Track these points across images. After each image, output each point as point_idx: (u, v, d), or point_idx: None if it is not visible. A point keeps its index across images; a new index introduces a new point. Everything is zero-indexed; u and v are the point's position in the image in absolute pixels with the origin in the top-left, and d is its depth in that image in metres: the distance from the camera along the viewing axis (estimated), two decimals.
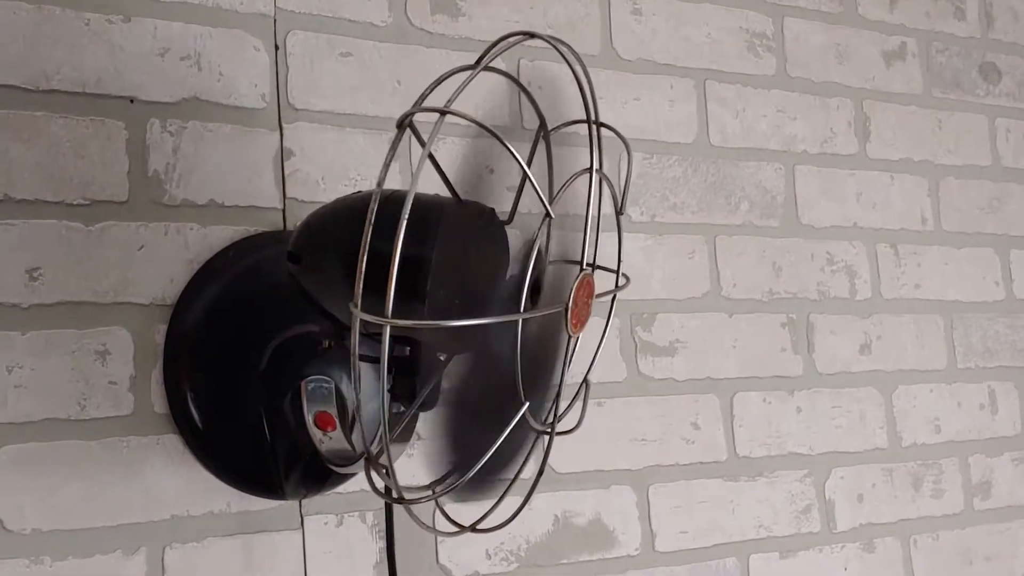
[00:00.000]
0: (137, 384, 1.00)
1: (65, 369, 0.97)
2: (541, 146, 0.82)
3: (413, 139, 0.83)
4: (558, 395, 0.81)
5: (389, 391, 0.82)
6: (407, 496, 0.75)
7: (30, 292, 0.97)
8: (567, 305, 0.75)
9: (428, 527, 0.82)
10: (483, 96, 0.93)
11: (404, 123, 0.71)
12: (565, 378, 0.82)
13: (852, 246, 1.45)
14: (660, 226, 1.31)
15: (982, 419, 1.52)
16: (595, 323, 0.82)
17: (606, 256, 0.87)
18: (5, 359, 0.95)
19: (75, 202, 0.99)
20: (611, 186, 0.87)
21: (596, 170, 0.76)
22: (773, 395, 1.36)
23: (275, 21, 1.11)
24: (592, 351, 0.89)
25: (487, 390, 0.82)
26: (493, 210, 0.81)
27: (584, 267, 0.77)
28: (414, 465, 1.09)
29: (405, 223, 0.66)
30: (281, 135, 1.10)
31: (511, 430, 0.77)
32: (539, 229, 0.75)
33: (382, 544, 1.09)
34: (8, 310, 0.96)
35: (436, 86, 0.74)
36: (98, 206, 1.00)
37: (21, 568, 0.94)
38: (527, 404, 0.76)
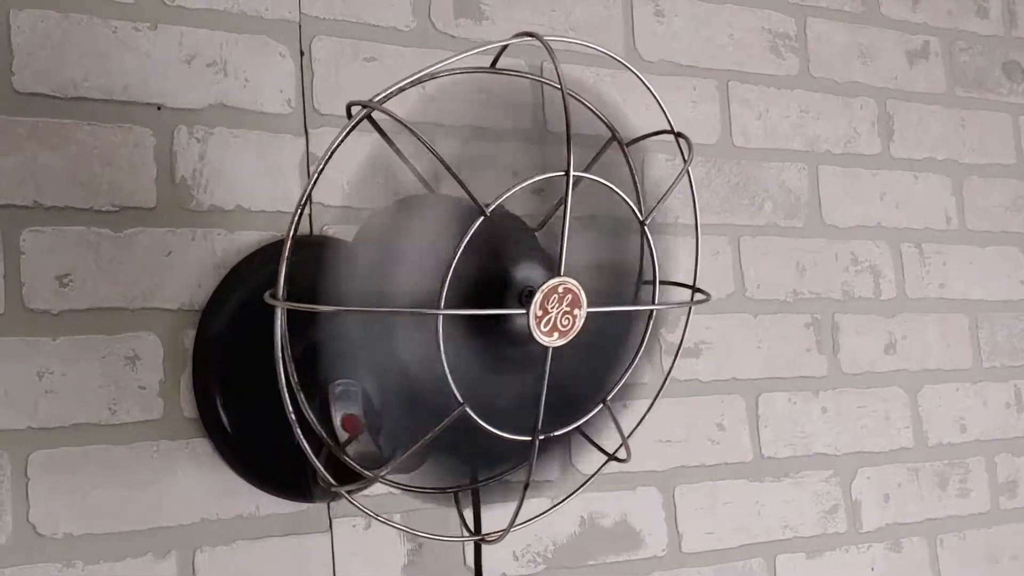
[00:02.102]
0: (166, 389, 1.01)
1: (95, 374, 0.98)
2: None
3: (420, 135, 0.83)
4: (539, 403, 0.78)
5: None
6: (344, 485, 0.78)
7: (60, 298, 0.97)
8: (531, 311, 0.75)
9: (371, 514, 0.82)
10: (504, 98, 0.93)
11: (361, 114, 0.73)
12: (544, 391, 0.78)
13: (876, 246, 1.45)
14: (683, 227, 1.31)
15: (1008, 418, 1.52)
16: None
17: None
18: (36, 365, 0.96)
19: (104, 208, 1.00)
20: (619, 193, 0.86)
21: (575, 174, 0.75)
22: (798, 395, 1.36)
23: (300, 27, 1.11)
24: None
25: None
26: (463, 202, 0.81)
27: (560, 274, 0.75)
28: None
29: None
30: (307, 140, 1.10)
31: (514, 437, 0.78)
32: (473, 223, 0.74)
33: (410, 546, 1.10)
34: (39, 316, 0.97)
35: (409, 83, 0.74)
36: (126, 212, 1.01)
37: (54, 572, 0.94)
38: (463, 405, 0.75)
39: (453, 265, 0.73)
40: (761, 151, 1.38)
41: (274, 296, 0.75)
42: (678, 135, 0.86)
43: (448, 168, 0.73)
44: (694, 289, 0.90)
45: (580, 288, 0.76)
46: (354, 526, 1.07)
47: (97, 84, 1.01)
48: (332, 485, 0.80)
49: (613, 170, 0.86)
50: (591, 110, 0.84)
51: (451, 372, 0.74)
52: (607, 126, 0.85)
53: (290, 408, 0.78)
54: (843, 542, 1.36)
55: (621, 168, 0.87)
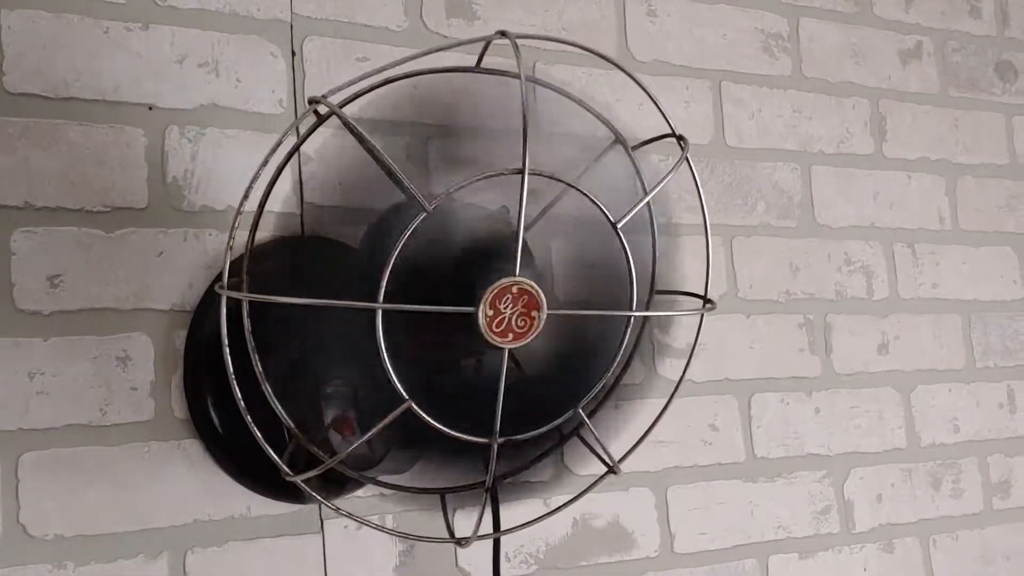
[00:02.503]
0: (158, 389, 1.01)
1: (86, 375, 0.98)
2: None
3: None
4: (497, 408, 0.77)
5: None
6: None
7: (51, 299, 0.97)
8: (480, 309, 0.74)
9: (321, 500, 0.83)
10: (496, 97, 0.93)
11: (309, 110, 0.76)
12: (501, 393, 0.77)
13: (869, 246, 1.45)
14: (678, 227, 1.31)
15: (1001, 418, 1.52)
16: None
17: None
18: (27, 366, 0.96)
19: (95, 209, 1.00)
20: (588, 195, 0.85)
21: (527, 172, 0.74)
22: (791, 396, 1.36)
23: (292, 27, 1.11)
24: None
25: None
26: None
27: (516, 274, 0.74)
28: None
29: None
30: (298, 141, 1.10)
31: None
32: (415, 217, 0.73)
33: (402, 547, 1.10)
34: (30, 317, 0.96)
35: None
36: (118, 213, 1.01)
37: (44, 574, 0.94)
38: (408, 402, 0.75)
39: (392, 260, 0.72)
40: (754, 151, 1.38)
41: (221, 287, 0.78)
42: (679, 138, 0.86)
43: (392, 167, 0.74)
44: (705, 299, 0.88)
45: (538, 289, 0.75)
46: (346, 527, 1.07)
47: (88, 84, 1.01)
48: (287, 473, 0.80)
49: (609, 172, 0.86)
50: (593, 113, 0.84)
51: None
52: (611, 129, 0.85)
53: (239, 395, 0.80)
54: (836, 543, 1.36)
55: (617, 169, 0.87)
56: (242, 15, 1.09)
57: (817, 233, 1.41)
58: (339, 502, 1.07)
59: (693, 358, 0.89)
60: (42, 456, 0.95)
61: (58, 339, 0.97)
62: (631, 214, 0.79)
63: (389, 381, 0.74)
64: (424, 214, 0.73)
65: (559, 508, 0.87)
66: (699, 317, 0.89)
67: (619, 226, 0.79)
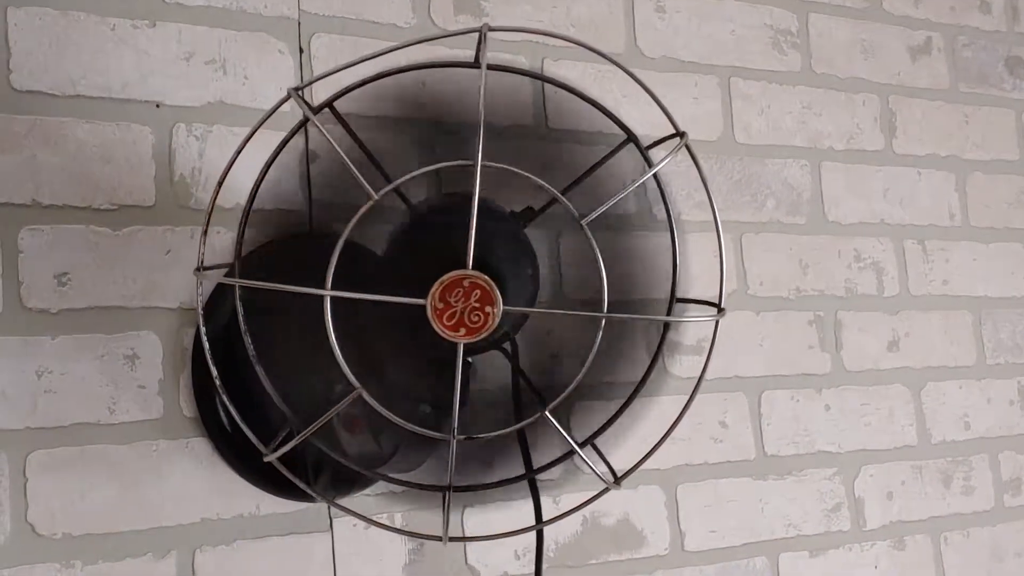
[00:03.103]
0: (166, 388, 1.00)
1: (94, 373, 0.98)
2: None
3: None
4: (453, 405, 0.77)
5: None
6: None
7: (59, 297, 0.97)
8: (429, 302, 0.74)
9: (293, 478, 0.83)
10: (506, 95, 0.93)
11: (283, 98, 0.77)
12: (458, 389, 0.77)
13: (879, 242, 1.44)
14: (685, 224, 1.30)
15: (1012, 415, 1.51)
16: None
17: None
18: (35, 364, 0.96)
19: (102, 207, 1.00)
20: (550, 189, 0.83)
21: (481, 164, 0.74)
22: (801, 393, 1.35)
23: (299, 24, 1.11)
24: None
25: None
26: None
27: (468, 267, 0.74)
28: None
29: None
30: (306, 137, 1.09)
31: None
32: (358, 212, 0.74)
33: (411, 546, 1.09)
34: (37, 315, 0.96)
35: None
36: (125, 211, 1.00)
37: (52, 572, 0.94)
38: (358, 389, 0.75)
39: (339, 247, 0.74)
40: (763, 147, 1.38)
41: (197, 269, 0.81)
42: (680, 134, 0.85)
43: (343, 159, 0.76)
44: (720, 307, 0.87)
45: (491, 284, 0.74)
46: (355, 525, 1.07)
47: (95, 82, 1.01)
48: (264, 453, 0.81)
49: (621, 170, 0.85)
50: (604, 112, 0.83)
51: (342, 356, 0.75)
52: (621, 127, 0.84)
53: (215, 373, 0.82)
54: (846, 540, 1.36)
55: (627, 167, 0.87)
56: (249, 12, 1.08)
57: (827, 230, 1.41)
58: (348, 500, 1.06)
59: (708, 366, 0.88)
60: (50, 455, 0.95)
61: (66, 337, 0.97)
62: (601, 210, 0.78)
63: (340, 369, 0.75)
64: (371, 201, 0.74)
65: (552, 520, 0.87)
66: (714, 324, 0.87)
67: (585, 222, 0.78)
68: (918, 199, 1.49)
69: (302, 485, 0.84)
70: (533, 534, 1.01)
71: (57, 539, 0.95)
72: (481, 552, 1.13)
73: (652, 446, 0.86)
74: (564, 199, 0.77)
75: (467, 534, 1.11)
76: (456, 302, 0.74)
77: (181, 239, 1.02)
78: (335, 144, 0.75)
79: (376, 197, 0.74)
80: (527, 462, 0.86)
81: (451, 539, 0.82)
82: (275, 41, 1.09)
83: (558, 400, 0.80)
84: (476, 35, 0.78)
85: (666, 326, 0.84)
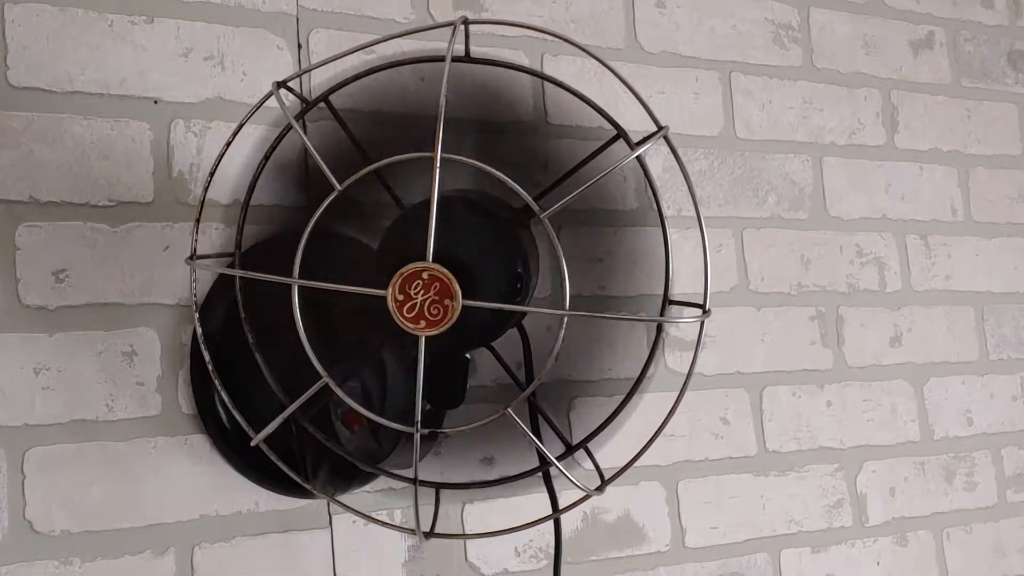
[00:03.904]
0: (164, 384, 1.00)
1: (92, 370, 0.97)
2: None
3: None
4: (417, 396, 0.77)
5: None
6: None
7: (57, 294, 0.97)
8: (389, 293, 0.74)
9: (277, 460, 0.83)
10: (505, 88, 0.92)
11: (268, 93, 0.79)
12: (420, 381, 0.77)
13: (881, 238, 1.44)
14: (686, 220, 1.30)
15: (1015, 411, 1.51)
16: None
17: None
18: (32, 361, 0.95)
19: (100, 203, 0.99)
20: (510, 182, 0.82)
21: (440, 156, 0.73)
22: (803, 389, 1.35)
23: (298, 20, 1.11)
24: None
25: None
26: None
27: (428, 259, 0.73)
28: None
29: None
30: (305, 133, 1.09)
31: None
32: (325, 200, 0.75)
33: (411, 542, 1.09)
34: (35, 312, 0.96)
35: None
36: (123, 207, 1.00)
37: (51, 570, 0.94)
38: (325, 379, 0.77)
39: (305, 235, 0.76)
40: (764, 143, 1.37)
41: (189, 259, 0.84)
42: (660, 128, 0.84)
43: (310, 149, 0.79)
44: (705, 308, 0.86)
45: (451, 277, 0.74)
46: (354, 522, 1.06)
47: (93, 78, 1.01)
48: (251, 436, 0.83)
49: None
50: (595, 108, 0.82)
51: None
52: (611, 122, 0.83)
53: (208, 357, 0.84)
54: (849, 536, 1.35)
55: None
56: (248, 8, 1.08)
57: (828, 225, 1.40)
58: (348, 496, 1.06)
59: (693, 369, 0.87)
60: (48, 452, 0.95)
61: (64, 334, 0.97)
62: (562, 204, 0.77)
63: (307, 357, 0.77)
64: (335, 192, 0.76)
65: (531, 524, 0.86)
66: (699, 325, 0.86)
67: (544, 216, 0.76)
68: (920, 194, 1.48)
69: (290, 472, 0.84)
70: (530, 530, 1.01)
71: (55, 536, 0.95)
72: (481, 548, 1.12)
73: (639, 450, 0.85)
74: (521, 190, 0.76)
75: (467, 530, 1.11)
76: (416, 294, 0.74)
77: (179, 235, 1.02)
78: (307, 141, 0.77)
79: (339, 188, 0.76)
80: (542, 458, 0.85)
81: (432, 535, 0.82)
82: (273, 37, 1.09)
83: (517, 400, 0.80)
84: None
85: (659, 327, 0.83)
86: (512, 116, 0.93)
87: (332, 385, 0.76)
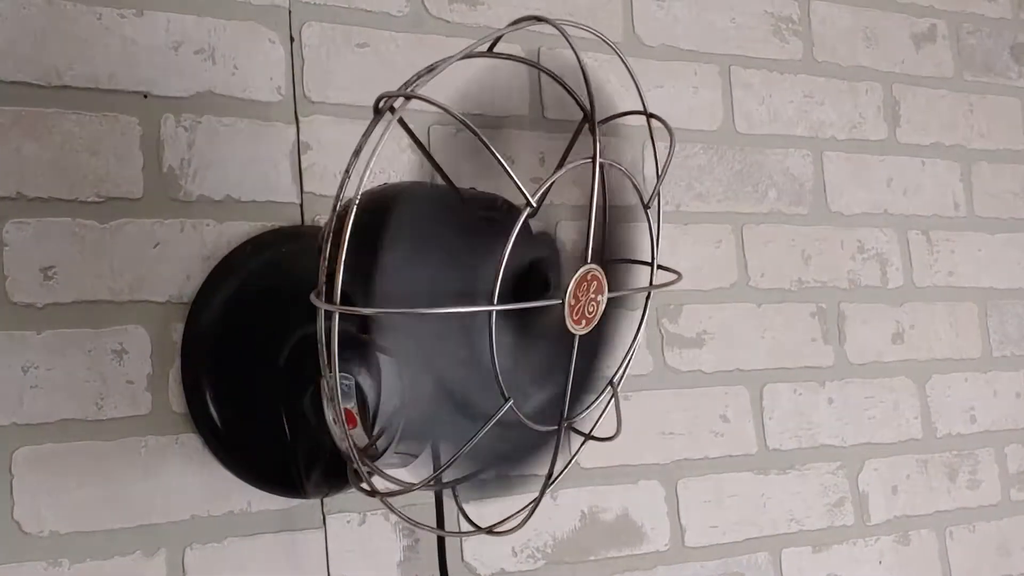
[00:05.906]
0: (155, 383, 0.99)
1: (81, 369, 0.96)
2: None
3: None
4: (565, 393, 0.78)
5: None
6: (383, 490, 0.76)
7: (45, 291, 0.95)
8: (565, 300, 0.74)
9: (413, 522, 0.82)
10: (503, 83, 0.91)
11: (380, 107, 0.71)
12: (572, 377, 0.78)
13: (883, 233, 1.43)
14: (685, 215, 1.29)
15: (1018, 408, 1.50)
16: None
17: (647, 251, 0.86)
18: (21, 359, 0.94)
19: (89, 199, 0.98)
20: (632, 178, 0.85)
21: (601, 161, 0.74)
22: (804, 386, 1.33)
23: (290, 13, 1.09)
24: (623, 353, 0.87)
25: (466, 383, 0.79)
26: (503, 200, 0.79)
27: (588, 262, 0.74)
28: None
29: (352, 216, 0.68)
30: (297, 128, 1.08)
31: (518, 428, 0.76)
32: (517, 220, 0.72)
33: (406, 542, 1.08)
34: (23, 309, 0.95)
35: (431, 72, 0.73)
36: (113, 203, 0.99)
37: (39, 571, 0.93)
38: (510, 401, 0.74)
39: (504, 260, 0.70)
40: (764, 137, 1.36)
41: (319, 297, 0.74)
42: (649, 116, 0.84)
43: (500, 161, 0.71)
44: (651, 285, 0.87)
45: (603, 274, 0.76)
46: (348, 522, 1.05)
47: (82, 72, 0.99)
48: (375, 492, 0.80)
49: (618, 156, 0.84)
50: (564, 87, 0.82)
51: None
52: (579, 105, 0.83)
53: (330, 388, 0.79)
54: (850, 535, 1.34)
55: (623, 154, 0.86)
56: (239, 1, 1.07)
57: (829, 220, 1.39)
58: (342, 496, 1.05)
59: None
60: (36, 452, 0.94)
61: (52, 332, 0.95)
62: (543, 188, 0.76)
63: (497, 381, 0.73)
64: (529, 209, 0.72)
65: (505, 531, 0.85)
66: (643, 302, 0.87)
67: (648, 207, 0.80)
68: (922, 189, 1.47)
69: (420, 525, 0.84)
70: (530, 527, 1.00)
71: (44, 537, 0.93)
72: (477, 549, 1.11)
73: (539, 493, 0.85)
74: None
75: (459, 527, 1.09)
76: (581, 296, 0.75)
77: (170, 232, 1.01)
78: (489, 145, 0.71)
79: (534, 204, 0.71)
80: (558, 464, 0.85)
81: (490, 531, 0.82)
82: (265, 30, 1.08)
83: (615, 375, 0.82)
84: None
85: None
86: (507, 110, 0.91)
87: (514, 409, 0.75)
